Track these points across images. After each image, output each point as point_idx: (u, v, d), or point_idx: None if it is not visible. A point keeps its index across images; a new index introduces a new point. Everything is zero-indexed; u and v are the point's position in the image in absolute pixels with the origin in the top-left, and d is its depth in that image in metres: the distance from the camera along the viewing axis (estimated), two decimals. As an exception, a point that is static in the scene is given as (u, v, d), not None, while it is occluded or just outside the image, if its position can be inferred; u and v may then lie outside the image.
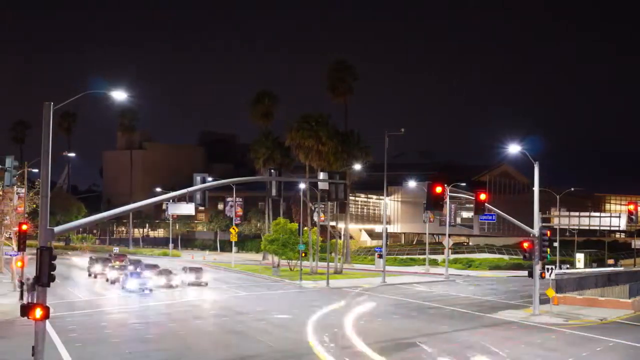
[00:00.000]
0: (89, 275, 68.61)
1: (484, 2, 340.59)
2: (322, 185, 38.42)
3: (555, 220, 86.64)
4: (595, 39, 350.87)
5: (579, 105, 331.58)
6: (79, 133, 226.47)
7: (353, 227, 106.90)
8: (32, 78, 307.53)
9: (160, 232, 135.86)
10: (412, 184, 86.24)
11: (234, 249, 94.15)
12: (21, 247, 40.02)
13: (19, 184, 51.98)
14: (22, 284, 45.66)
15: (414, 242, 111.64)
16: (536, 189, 45.29)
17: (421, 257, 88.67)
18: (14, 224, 53.01)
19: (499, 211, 45.04)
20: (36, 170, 56.73)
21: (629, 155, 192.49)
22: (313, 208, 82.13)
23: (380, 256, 71.49)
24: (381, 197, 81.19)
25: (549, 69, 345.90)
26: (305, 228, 74.71)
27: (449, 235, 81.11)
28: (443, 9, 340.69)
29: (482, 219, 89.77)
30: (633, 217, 69.57)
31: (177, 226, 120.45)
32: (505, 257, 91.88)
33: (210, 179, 31.96)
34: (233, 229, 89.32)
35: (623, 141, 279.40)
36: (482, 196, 39.19)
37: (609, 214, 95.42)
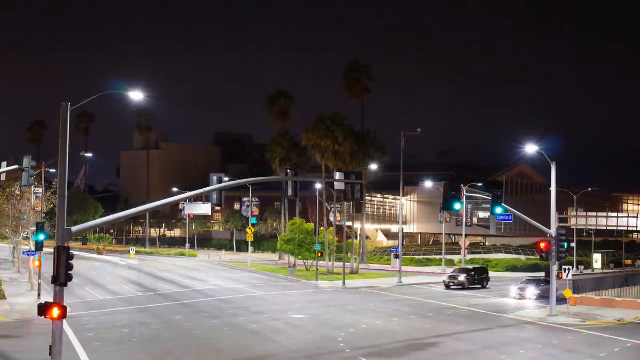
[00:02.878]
0: None
1: (484, 2, 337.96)
2: (338, 186, 38.22)
3: (573, 221, 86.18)
4: (595, 39, 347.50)
5: (579, 105, 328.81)
6: (96, 133, 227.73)
7: (369, 227, 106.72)
8: (32, 78, 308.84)
9: (177, 232, 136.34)
10: (428, 184, 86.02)
11: (250, 249, 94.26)
12: (38, 246, 40.37)
13: (36, 184, 52.26)
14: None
15: (431, 243, 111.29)
16: (553, 189, 45.06)
17: (437, 257, 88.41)
18: (31, 224, 53.33)
19: (515, 211, 44.74)
20: (53, 171, 57.02)
21: (629, 156, 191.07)
22: (329, 208, 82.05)
23: (397, 256, 71.30)
24: (397, 197, 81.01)
25: (549, 69, 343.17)
26: (322, 228, 74.64)
27: (466, 236, 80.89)
28: (443, 9, 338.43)
29: (498, 219, 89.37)
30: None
31: (193, 226, 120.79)
32: (522, 257, 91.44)
33: (226, 179, 31.92)
34: (249, 229, 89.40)
35: (623, 141, 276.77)
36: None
37: (626, 215, 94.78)
